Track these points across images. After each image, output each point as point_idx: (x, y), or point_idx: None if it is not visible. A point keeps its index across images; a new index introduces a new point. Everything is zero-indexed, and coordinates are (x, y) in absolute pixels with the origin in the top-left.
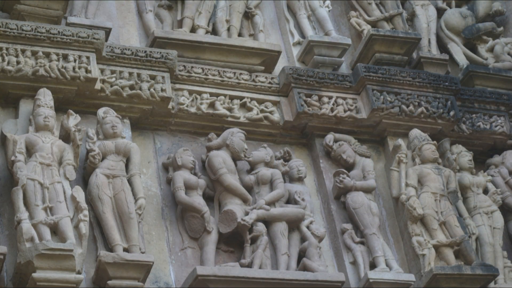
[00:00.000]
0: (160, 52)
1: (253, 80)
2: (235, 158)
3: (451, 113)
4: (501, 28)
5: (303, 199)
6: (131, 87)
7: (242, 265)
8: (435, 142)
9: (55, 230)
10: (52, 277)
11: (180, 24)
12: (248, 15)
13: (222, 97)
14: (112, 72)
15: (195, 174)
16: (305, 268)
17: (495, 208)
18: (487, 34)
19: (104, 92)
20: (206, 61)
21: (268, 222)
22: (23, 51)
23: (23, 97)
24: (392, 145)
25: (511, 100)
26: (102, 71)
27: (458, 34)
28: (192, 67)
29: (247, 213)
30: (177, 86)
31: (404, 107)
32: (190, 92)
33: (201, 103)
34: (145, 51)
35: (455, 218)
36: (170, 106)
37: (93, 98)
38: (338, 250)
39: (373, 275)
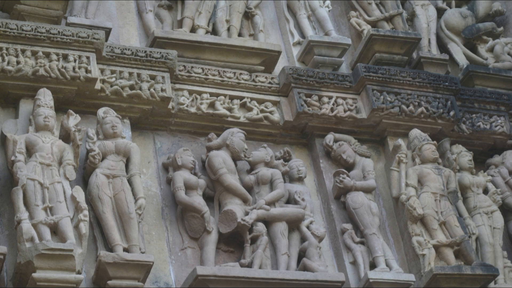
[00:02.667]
0: (160, 52)
1: (253, 80)
2: (235, 158)
3: (451, 113)
4: (501, 28)
5: (303, 199)
6: (131, 87)
7: (242, 265)
8: (435, 142)
9: (55, 230)
10: (52, 277)
11: (180, 24)
12: (248, 15)
13: (222, 97)
14: (112, 72)
15: (195, 174)
16: (305, 268)
17: (495, 208)
18: (487, 34)
19: (104, 92)
20: (206, 61)
21: (268, 222)
22: (23, 51)
23: (23, 97)
24: (392, 145)
25: (511, 100)
26: (102, 71)
27: (458, 34)
28: (192, 67)
29: (247, 213)
30: (177, 86)
31: (404, 107)
32: (190, 92)
33: (201, 103)
34: (145, 51)
35: (455, 218)
36: (170, 106)
37: (93, 98)
38: (338, 250)
39: (373, 275)
